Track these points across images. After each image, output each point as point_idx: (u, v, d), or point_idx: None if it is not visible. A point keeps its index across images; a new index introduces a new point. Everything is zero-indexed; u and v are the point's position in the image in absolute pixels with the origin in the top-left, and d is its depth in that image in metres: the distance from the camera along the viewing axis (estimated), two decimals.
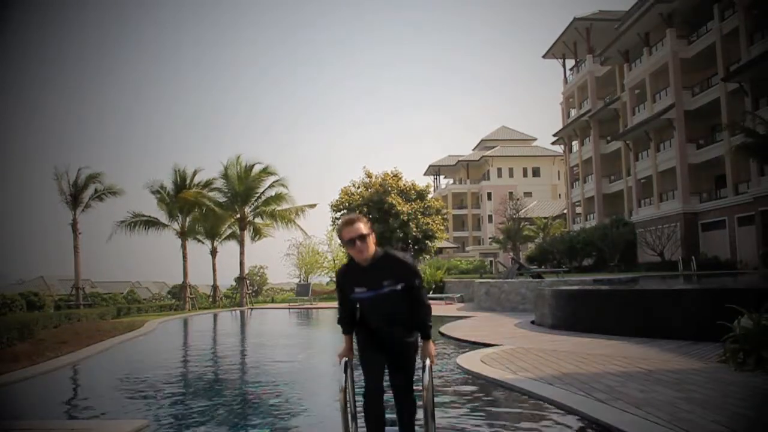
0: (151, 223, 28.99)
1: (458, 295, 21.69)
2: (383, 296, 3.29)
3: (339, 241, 3.28)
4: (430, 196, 35.73)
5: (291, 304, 29.01)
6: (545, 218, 46.04)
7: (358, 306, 3.49)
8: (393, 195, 32.98)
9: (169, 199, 28.76)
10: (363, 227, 3.21)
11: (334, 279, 3.78)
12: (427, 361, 3.34)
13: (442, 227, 35.22)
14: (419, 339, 3.53)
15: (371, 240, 3.26)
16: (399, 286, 3.28)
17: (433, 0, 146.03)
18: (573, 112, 47.34)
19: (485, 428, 4.39)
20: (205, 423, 4.96)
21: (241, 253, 29.47)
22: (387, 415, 3.47)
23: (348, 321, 3.54)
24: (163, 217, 29.24)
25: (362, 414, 3.42)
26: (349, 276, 3.37)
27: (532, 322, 11.80)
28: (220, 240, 30.97)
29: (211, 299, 30.47)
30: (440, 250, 42.81)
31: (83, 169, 26.35)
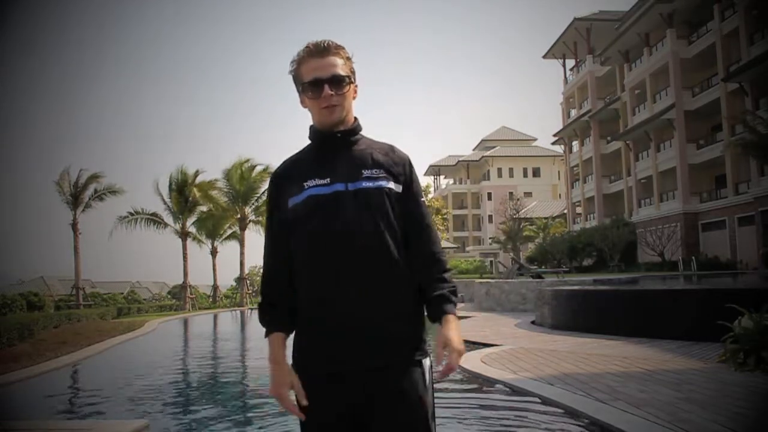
0: (152, 221, 29.06)
1: (458, 295, 21.67)
2: (361, 196, 1.66)
3: (294, 84, 1.77)
4: (430, 196, 35.87)
5: None
6: (545, 218, 46.09)
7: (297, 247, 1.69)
8: None
9: (175, 197, 28.84)
10: (341, 65, 1.72)
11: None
12: (443, 355, 1.61)
13: (443, 227, 35.35)
14: (434, 331, 1.69)
15: (351, 94, 1.76)
16: (392, 184, 1.71)
17: (432, 0, 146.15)
18: (573, 112, 47.36)
19: (485, 428, 4.39)
20: (204, 423, 4.95)
21: (242, 253, 29.54)
22: None
23: (282, 294, 1.71)
24: (167, 217, 29.39)
25: None
26: (295, 169, 1.73)
27: (533, 323, 11.79)
28: (220, 240, 31.03)
29: (211, 299, 30.50)
30: None
31: (83, 171, 26.46)
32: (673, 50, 31.37)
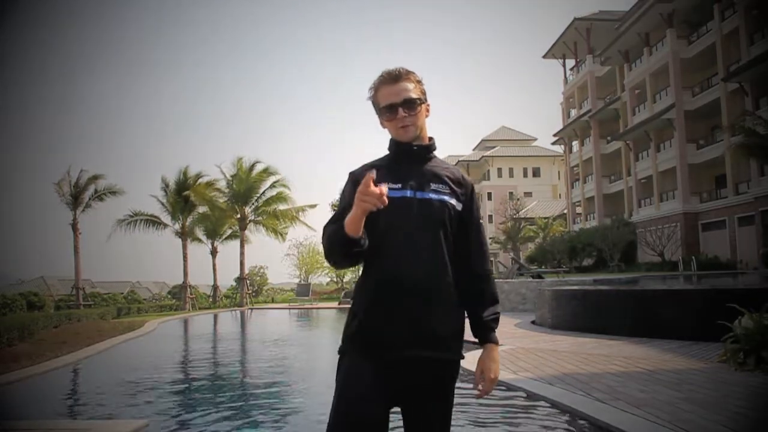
0: (151, 221, 29.03)
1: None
2: (425, 205, 1.86)
3: (373, 108, 1.98)
4: None
5: (291, 304, 29.01)
6: (545, 218, 46.10)
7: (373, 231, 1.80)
8: None
9: (172, 198, 28.80)
10: (412, 88, 1.91)
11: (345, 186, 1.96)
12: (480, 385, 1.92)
13: None
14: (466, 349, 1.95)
15: (424, 113, 1.95)
16: (454, 201, 1.91)
17: None
18: (573, 112, 47.37)
19: (485, 428, 4.39)
20: (205, 423, 4.95)
21: (242, 254, 29.50)
22: None
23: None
24: (165, 217, 29.35)
25: None
26: (375, 171, 1.74)
27: (533, 322, 11.79)
28: (220, 240, 31.01)
29: (211, 299, 30.47)
30: None
31: (83, 171, 26.42)
32: (673, 50, 31.38)
